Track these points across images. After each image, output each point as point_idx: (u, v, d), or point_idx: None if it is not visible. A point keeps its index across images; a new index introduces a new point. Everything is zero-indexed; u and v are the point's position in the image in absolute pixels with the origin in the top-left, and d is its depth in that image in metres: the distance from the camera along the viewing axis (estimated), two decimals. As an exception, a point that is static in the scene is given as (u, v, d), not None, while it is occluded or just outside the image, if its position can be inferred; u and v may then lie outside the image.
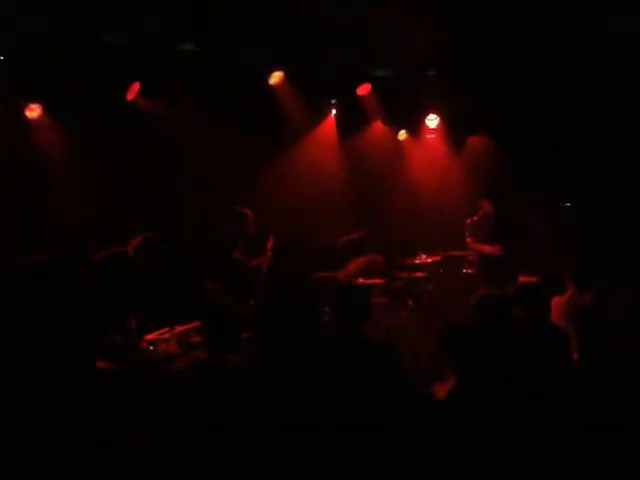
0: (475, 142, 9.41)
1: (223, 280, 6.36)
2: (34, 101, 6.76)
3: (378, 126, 9.19)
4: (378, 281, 7.75)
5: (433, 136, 9.34)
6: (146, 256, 5.36)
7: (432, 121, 9.11)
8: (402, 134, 9.37)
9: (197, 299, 5.92)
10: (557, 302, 5.15)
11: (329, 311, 7.22)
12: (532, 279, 6.94)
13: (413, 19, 6.88)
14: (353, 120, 8.90)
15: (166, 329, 5.43)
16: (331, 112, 8.84)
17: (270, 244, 6.75)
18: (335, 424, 3.66)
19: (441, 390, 3.69)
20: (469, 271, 7.58)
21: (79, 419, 4.40)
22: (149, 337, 5.36)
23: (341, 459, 3.56)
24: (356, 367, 3.91)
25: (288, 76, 7.78)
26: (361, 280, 7.60)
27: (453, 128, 9.20)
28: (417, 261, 7.90)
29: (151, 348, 5.21)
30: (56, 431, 4.37)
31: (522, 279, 6.62)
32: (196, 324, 5.14)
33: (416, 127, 9.31)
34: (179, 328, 5.37)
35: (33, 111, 6.78)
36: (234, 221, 6.59)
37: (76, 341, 4.90)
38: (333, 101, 8.78)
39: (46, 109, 6.82)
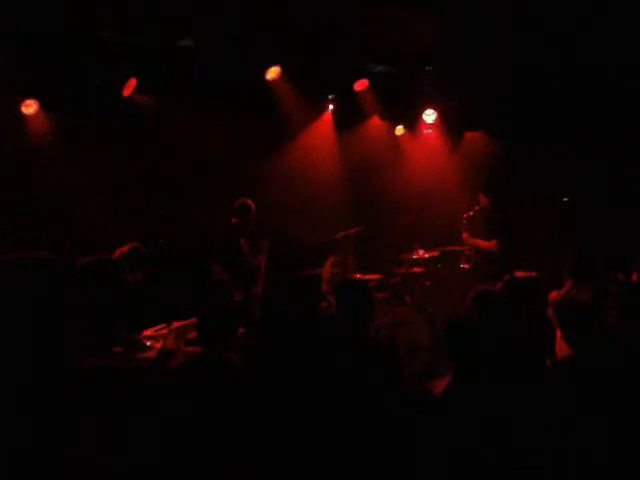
0: (472, 137, 9.41)
1: (230, 269, 6.50)
2: (30, 97, 6.74)
3: (375, 121, 9.17)
4: (376, 277, 7.76)
5: (431, 131, 9.33)
6: (131, 265, 5.43)
7: (429, 116, 9.10)
8: (399, 129, 9.36)
9: (193, 297, 5.93)
10: (555, 296, 5.15)
11: (328, 307, 7.28)
12: (530, 274, 6.95)
13: (412, 15, 6.87)
14: (350, 115, 8.89)
15: (163, 325, 5.44)
16: (328, 107, 8.82)
17: (266, 246, 6.84)
18: (335, 421, 3.66)
19: (441, 385, 3.70)
20: (466, 266, 7.59)
21: (73, 418, 4.40)
22: (146, 333, 5.37)
23: (341, 457, 3.56)
24: (356, 363, 3.91)
25: (285, 71, 7.76)
26: (358, 275, 7.61)
27: (450, 123, 9.19)
28: (414, 256, 7.90)
29: (148, 344, 5.22)
30: (53, 431, 4.36)
31: (520, 274, 6.63)
32: (193, 320, 5.14)
33: (413, 122, 9.30)
34: (176, 324, 5.38)
35: (29, 107, 6.76)
36: (238, 212, 6.67)
37: (56, 339, 4.92)
38: (330, 96, 8.76)
39: (42, 105, 6.80)
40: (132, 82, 6.98)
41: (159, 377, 4.59)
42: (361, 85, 8.52)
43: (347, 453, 3.52)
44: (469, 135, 9.44)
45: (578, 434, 3.26)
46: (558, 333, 4.42)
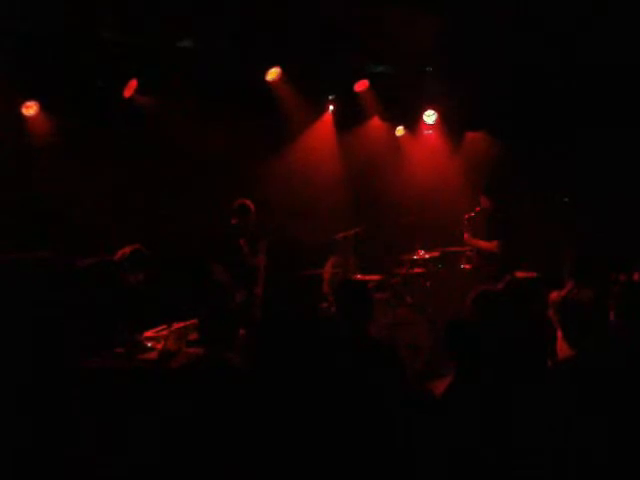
0: (473, 138, 9.40)
1: (230, 269, 6.50)
2: (31, 98, 6.74)
3: (376, 122, 9.17)
4: (376, 277, 7.76)
5: (431, 132, 9.33)
6: (133, 266, 5.43)
7: (430, 117, 9.10)
8: (400, 130, 9.35)
9: (194, 298, 5.93)
10: (555, 297, 5.14)
11: (328, 307, 7.27)
12: (530, 274, 6.95)
13: (412, 15, 6.86)
14: (351, 116, 8.89)
15: (164, 326, 5.44)
16: (329, 108, 8.82)
17: (263, 246, 6.84)
18: (335, 421, 3.65)
19: (441, 386, 3.69)
20: (467, 267, 7.58)
21: (73, 418, 4.40)
22: (147, 334, 5.36)
23: (342, 457, 3.55)
24: (356, 363, 3.91)
25: (285, 72, 7.76)
26: (358, 276, 7.60)
27: (451, 124, 9.18)
28: (415, 257, 7.89)
29: (149, 345, 5.21)
30: (53, 431, 4.36)
31: (520, 274, 6.62)
32: (194, 321, 5.14)
33: (414, 123, 9.30)
34: (177, 325, 5.37)
35: (30, 108, 6.76)
36: (238, 213, 6.67)
37: (56, 339, 4.93)
38: (331, 97, 8.76)
39: (43, 106, 6.80)
40: (133, 83, 6.99)
41: (160, 378, 4.59)
42: (361, 86, 8.52)
43: (348, 453, 3.52)
44: (470, 135, 9.43)
45: (578, 434, 3.25)
46: (559, 334, 4.42)
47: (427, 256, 7.91)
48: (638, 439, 3.23)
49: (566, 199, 9.17)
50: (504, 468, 3.23)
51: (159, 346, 5.14)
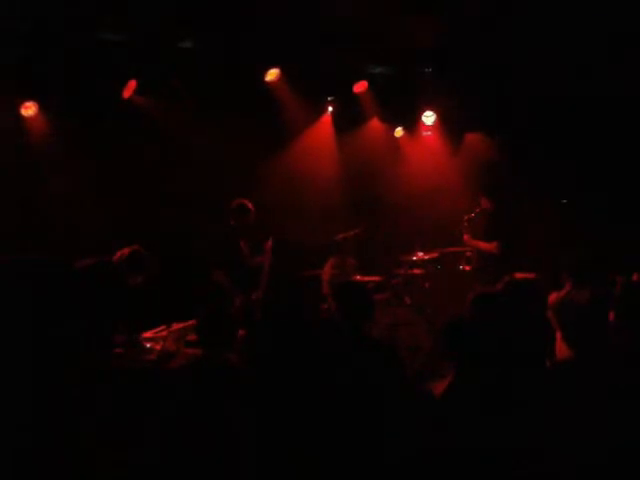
0: (472, 139, 9.40)
1: (230, 271, 6.48)
2: (30, 99, 6.73)
3: (375, 123, 9.16)
4: (376, 278, 7.76)
5: (430, 133, 9.32)
6: (131, 267, 5.41)
7: (429, 118, 9.10)
8: (399, 131, 9.34)
9: (193, 298, 5.93)
10: (554, 298, 5.14)
11: (328, 309, 7.27)
12: (529, 275, 6.95)
13: (412, 17, 6.86)
14: (350, 117, 8.88)
15: (163, 327, 5.44)
16: (328, 109, 8.82)
17: (269, 245, 6.82)
18: (336, 422, 3.65)
19: (441, 386, 3.69)
20: (466, 268, 7.58)
21: (73, 419, 4.40)
22: (146, 335, 5.37)
23: (341, 457, 3.55)
24: (356, 364, 3.91)
25: (284, 73, 7.76)
26: (358, 277, 7.60)
27: (450, 125, 9.18)
28: (414, 258, 7.89)
29: (148, 346, 5.21)
30: (52, 432, 4.36)
31: (519, 275, 6.62)
32: (193, 322, 5.14)
33: (413, 124, 9.29)
34: (176, 326, 5.37)
35: (29, 109, 6.76)
36: (237, 214, 6.66)
37: (56, 340, 4.93)
38: (330, 98, 8.76)
39: (42, 107, 6.79)
40: (132, 83, 6.98)
41: (159, 378, 4.59)
42: (360, 87, 8.51)
43: (348, 453, 3.52)
44: (469, 136, 9.43)
45: (578, 435, 3.25)
46: (558, 334, 4.42)
47: (426, 257, 7.91)
48: (638, 440, 3.23)
49: (564, 201, 9.17)
50: (504, 468, 3.23)
51: (158, 347, 5.15)
